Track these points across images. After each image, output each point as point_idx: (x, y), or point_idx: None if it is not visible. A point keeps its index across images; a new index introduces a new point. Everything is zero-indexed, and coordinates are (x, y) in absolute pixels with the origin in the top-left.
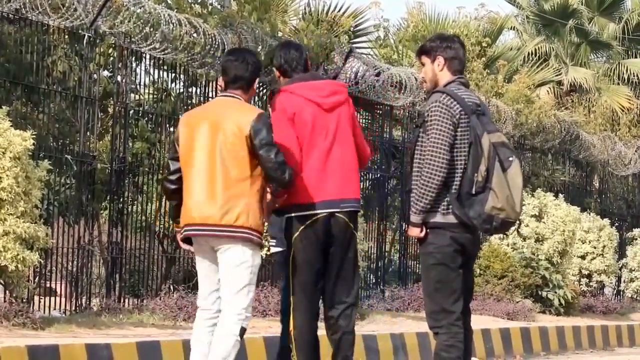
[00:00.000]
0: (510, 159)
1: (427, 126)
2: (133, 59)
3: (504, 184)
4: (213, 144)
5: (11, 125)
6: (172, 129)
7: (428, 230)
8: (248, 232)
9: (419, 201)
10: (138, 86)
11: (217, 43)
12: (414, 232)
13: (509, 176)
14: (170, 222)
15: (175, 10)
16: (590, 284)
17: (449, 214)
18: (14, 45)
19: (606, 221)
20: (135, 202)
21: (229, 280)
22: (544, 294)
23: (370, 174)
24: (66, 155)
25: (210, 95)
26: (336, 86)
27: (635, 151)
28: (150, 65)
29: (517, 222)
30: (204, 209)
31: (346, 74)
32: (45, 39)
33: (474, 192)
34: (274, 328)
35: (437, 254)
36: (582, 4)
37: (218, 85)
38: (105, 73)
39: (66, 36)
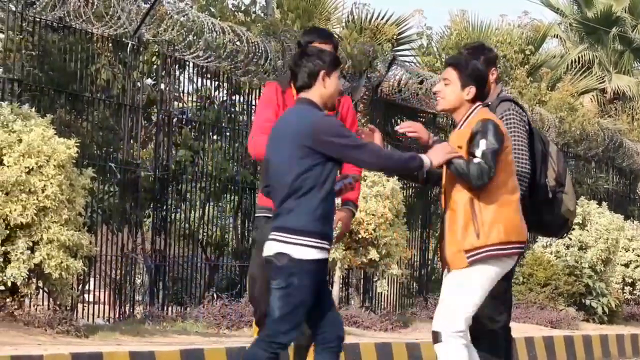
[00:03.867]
0: None
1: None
2: (176, 67)
3: (571, 189)
4: None
5: (55, 134)
6: (215, 137)
7: None
8: None
9: None
10: (181, 94)
11: (260, 51)
12: None
13: None
14: (213, 229)
15: (219, 18)
16: (634, 292)
17: None
18: (58, 54)
19: None
20: (179, 209)
21: None
22: (588, 302)
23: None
24: (110, 163)
25: (253, 103)
26: None
27: None
28: (193, 73)
29: None
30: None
31: (389, 82)
32: (89, 47)
33: (550, 197)
34: None
35: None
36: (625, 12)
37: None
38: (149, 81)
39: (110, 44)
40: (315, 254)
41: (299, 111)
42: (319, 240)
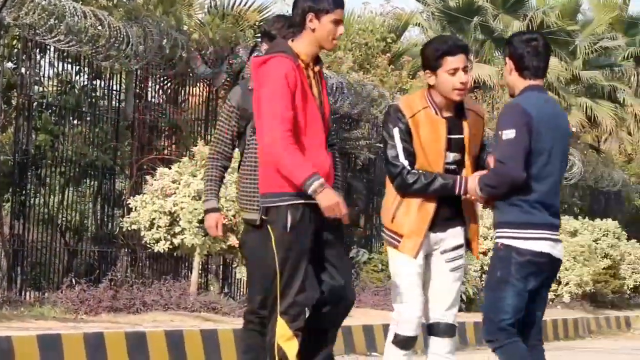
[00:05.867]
0: None
1: None
2: (37, 51)
3: None
4: None
5: None
6: (75, 122)
7: None
8: None
9: None
10: (42, 78)
11: (122, 36)
12: None
13: None
14: (72, 214)
15: (81, 2)
16: None
17: None
18: None
19: None
20: (38, 194)
21: None
22: None
23: None
24: None
25: (114, 87)
26: None
27: None
28: (54, 57)
29: None
30: None
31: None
32: None
33: None
34: (175, 322)
35: None
36: (487, 2)
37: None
38: (9, 65)
39: None
40: None
41: (553, 102)
42: None
